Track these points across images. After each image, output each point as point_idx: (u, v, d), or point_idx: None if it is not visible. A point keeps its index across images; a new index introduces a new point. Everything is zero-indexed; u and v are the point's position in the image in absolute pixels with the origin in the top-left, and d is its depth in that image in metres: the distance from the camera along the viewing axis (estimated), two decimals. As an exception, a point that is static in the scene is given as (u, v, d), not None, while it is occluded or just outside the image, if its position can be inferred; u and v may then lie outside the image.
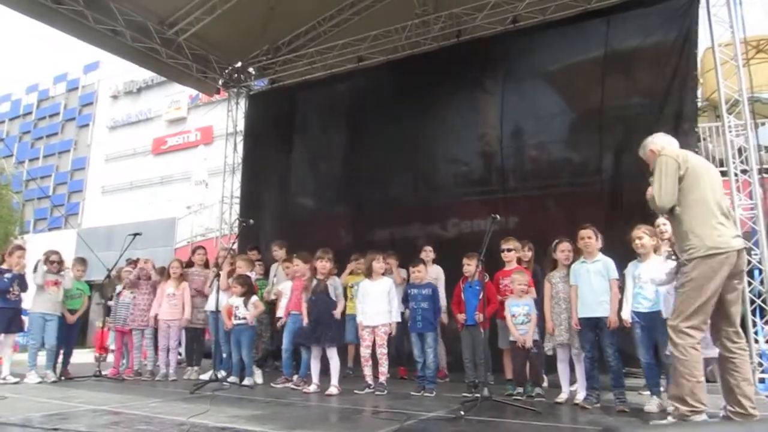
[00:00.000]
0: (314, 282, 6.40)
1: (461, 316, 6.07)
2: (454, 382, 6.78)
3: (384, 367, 6.10)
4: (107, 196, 31.02)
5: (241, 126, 11.19)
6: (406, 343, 6.79)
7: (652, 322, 4.79)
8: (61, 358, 7.29)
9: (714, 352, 3.95)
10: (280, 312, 7.10)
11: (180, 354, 7.93)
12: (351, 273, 7.45)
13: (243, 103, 11.26)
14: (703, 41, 7.29)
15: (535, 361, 5.74)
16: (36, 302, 7.08)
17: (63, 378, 7.13)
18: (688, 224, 3.86)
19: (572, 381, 5.52)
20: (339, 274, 6.83)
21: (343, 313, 6.45)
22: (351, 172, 9.80)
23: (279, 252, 8.05)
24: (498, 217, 5.54)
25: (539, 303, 5.69)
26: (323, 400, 5.72)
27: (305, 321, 6.34)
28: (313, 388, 6.12)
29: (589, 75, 8.02)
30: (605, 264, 5.16)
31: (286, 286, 7.06)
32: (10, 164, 28.68)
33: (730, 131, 6.77)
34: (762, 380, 6.09)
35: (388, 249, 7.38)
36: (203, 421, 4.25)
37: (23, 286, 7.05)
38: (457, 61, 8.94)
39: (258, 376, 6.97)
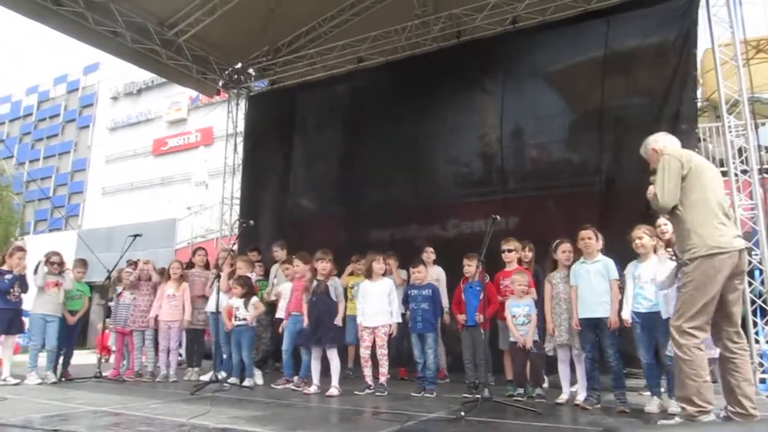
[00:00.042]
0: (314, 283, 6.40)
1: (461, 317, 6.07)
2: (455, 382, 6.78)
3: (384, 368, 6.10)
4: (107, 197, 31.02)
5: (241, 127, 11.19)
6: (406, 343, 6.79)
7: (652, 322, 4.79)
8: (61, 360, 7.29)
9: (715, 352, 3.94)
10: (279, 313, 7.10)
11: (180, 355, 7.93)
12: (351, 274, 7.46)
13: (243, 104, 11.26)
14: (702, 41, 7.30)
15: (536, 362, 5.74)
16: (37, 303, 7.08)
17: (63, 379, 7.14)
18: (690, 224, 3.86)
19: (573, 382, 5.52)
20: (339, 275, 6.83)
21: (344, 314, 6.45)
22: (351, 173, 9.80)
23: (280, 253, 8.05)
24: (498, 217, 5.54)
25: (540, 303, 5.69)
26: (324, 401, 5.72)
27: (305, 322, 6.35)
28: (313, 389, 6.11)
29: (589, 75, 8.01)
30: (605, 264, 5.16)
31: (286, 287, 7.06)
32: (10, 165, 28.71)
33: (730, 131, 6.77)
34: (763, 380, 6.09)
35: (388, 250, 7.37)
36: (204, 422, 4.25)
37: (24, 288, 7.06)
38: (457, 62, 8.94)
39: (258, 377, 6.97)
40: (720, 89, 6.77)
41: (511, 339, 5.74)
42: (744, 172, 6.66)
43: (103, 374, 7.32)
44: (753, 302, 6.30)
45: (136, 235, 7.95)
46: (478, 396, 5.01)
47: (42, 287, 7.05)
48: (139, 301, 7.56)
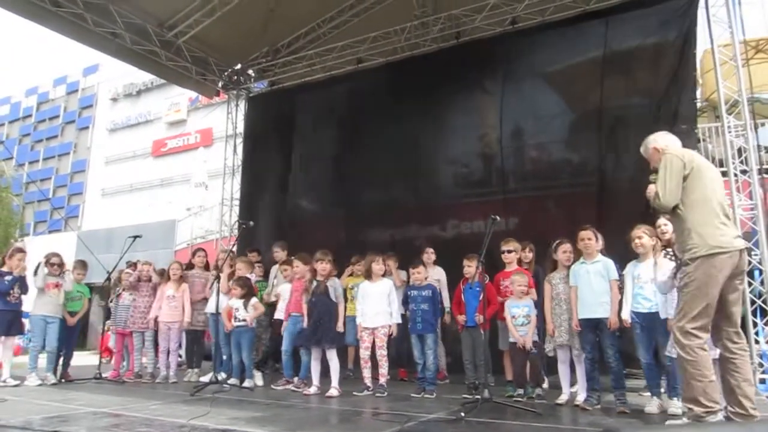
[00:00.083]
0: (314, 284, 6.40)
1: (461, 318, 6.07)
2: (454, 383, 6.78)
3: (384, 369, 6.10)
4: (107, 198, 30.99)
5: (240, 128, 11.18)
6: (406, 344, 6.79)
7: (652, 322, 4.79)
8: (61, 361, 7.29)
9: (715, 353, 3.94)
10: (278, 314, 7.10)
11: (180, 356, 7.93)
12: (351, 275, 7.46)
13: (242, 105, 11.26)
14: (702, 42, 7.30)
15: (536, 362, 5.74)
16: (37, 305, 7.09)
17: (63, 380, 7.14)
18: (691, 223, 3.86)
19: (573, 382, 5.52)
20: (339, 276, 6.83)
21: (344, 316, 6.44)
22: (351, 174, 9.79)
23: (281, 254, 8.06)
24: (498, 218, 5.54)
25: (540, 304, 5.69)
26: (324, 402, 5.72)
27: (305, 322, 6.34)
28: (313, 390, 6.11)
29: (588, 76, 8.01)
30: (605, 265, 5.16)
31: (285, 289, 7.06)
32: (10, 167, 28.71)
33: (730, 132, 6.77)
34: (763, 381, 6.08)
35: (388, 250, 7.38)
36: (203, 424, 4.25)
37: (24, 289, 7.07)
38: (456, 63, 8.93)
39: (258, 378, 6.98)
40: (719, 89, 6.77)
41: (511, 340, 5.75)
42: (743, 172, 6.67)
43: (103, 375, 7.32)
44: (753, 302, 6.30)
45: (135, 237, 7.96)
46: (478, 397, 5.01)
47: (42, 288, 7.05)
48: (138, 302, 7.56)
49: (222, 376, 6.79)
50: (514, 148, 8.47)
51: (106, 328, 8.47)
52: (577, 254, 5.40)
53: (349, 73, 10.02)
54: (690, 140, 6.72)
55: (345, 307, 6.51)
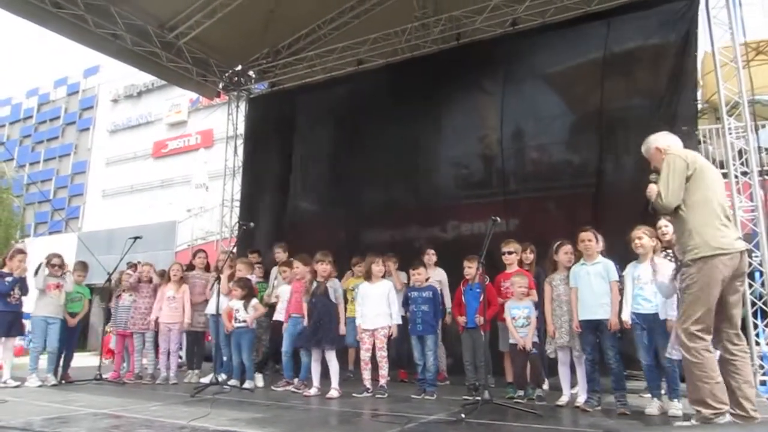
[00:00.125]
0: (314, 284, 6.40)
1: (462, 319, 6.07)
2: (455, 384, 6.77)
3: (384, 370, 6.09)
4: (108, 199, 31.00)
5: (241, 129, 11.20)
6: (406, 345, 6.79)
7: (653, 323, 4.78)
8: (61, 362, 7.28)
9: (715, 354, 3.93)
10: (277, 315, 7.10)
11: (181, 357, 7.93)
12: (352, 275, 7.47)
13: (243, 107, 11.28)
14: (702, 44, 7.30)
15: (536, 362, 5.73)
16: (38, 306, 7.08)
17: (63, 381, 7.13)
18: (692, 224, 3.86)
19: (573, 383, 5.51)
20: (339, 277, 6.83)
21: (344, 318, 6.44)
22: (351, 175, 9.79)
23: (282, 254, 8.05)
24: (498, 219, 5.55)
25: (541, 305, 5.69)
26: (324, 403, 5.71)
27: (306, 322, 6.34)
28: (313, 391, 6.10)
29: (589, 77, 8.03)
30: (605, 266, 5.15)
31: (284, 290, 7.06)
32: (10, 168, 28.70)
33: (731, 133, 6.78)
34: (763, 382, 6.08)
35: (389, 251, 7.37)
36: (204, 425, 4.25)
37: (24, 290, 7.06)
38: (457, 64, 8.94)
39: (258, 380, 6.97)
40: (720, 91, 6.78)
41: (511, 341, 5.74)
42: (744, 173, 6.68)
43: (103, 376, 7.31)
44: (753, 304, 6.30)
45: (136, 238, 7.96)
46: (479, 398, 5.00)
47: (43, 289, 7.04)
48: (139, 304, 7.55)
49: (222, 377, 6.79)
50: (514, 150, 8.48)
51: (107, 329, 8.46)
52: (578, 255, 5.39)
53: (350, 74, 10.03)
54: (691, 142, 6.72)
55: (345, 308, 6.51)
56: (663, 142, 4.27)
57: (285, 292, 7.00)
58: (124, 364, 7.76)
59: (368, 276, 6.39)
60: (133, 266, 8.07)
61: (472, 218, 8.60)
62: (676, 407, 4.64)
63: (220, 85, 11.10)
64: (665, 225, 5.19)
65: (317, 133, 10.56)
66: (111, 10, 8.78)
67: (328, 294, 6.29)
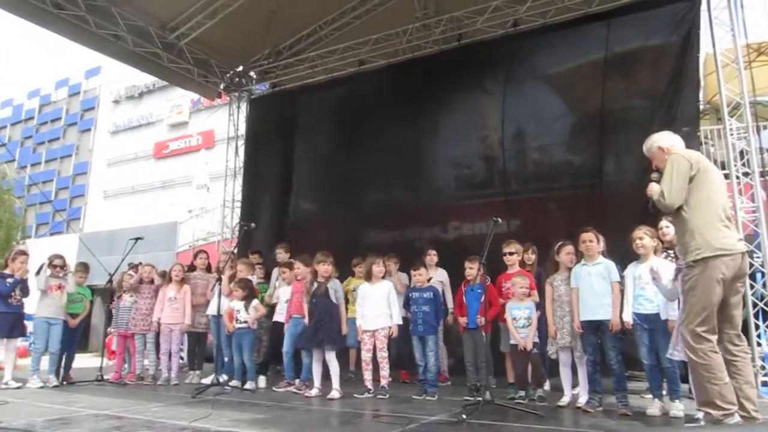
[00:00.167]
0: (315, 285, 6.40)
1: (463, 320, 6.06)
2: (456, 385, 6.77)
3: (385, 371, 6.09)
4: (109, 200, 31.06)
5: (242, 130, 11.19)
6: (407, 346, 6.78)
7: (654, 323, 4.77)
8: (63, 363, 7.29)
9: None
10: (277, 317, 7.10)
11: (182, 358, 7.93)
12: (353, 276, 7.47)
13: (244, 107, 11.27)
14: (704, 45, 7.30)
15: (537, 362, 5.72)
16: (40, 307, 7.08)
17: (65, 382, 7.14)
18: (694, 224, 3.85)
19: (574, 384, 5.51)
20: (339, 277, 6.83)
21: (345, 318, 6.44)
22: (352, 175, 9.78)
23: (283, 255, 8.05)
24: (499, 220, 5.55)
25: (543, 306, 5.68)
26: (325, 404, 5.71)
27: (306, 323, 6.35)
28: (314, 392, 6.10)
29: (590, 78, 8.02)
30: (606, 266, 5.15)
31: (282, 291, 7.06)
32: (12, 169, 28.69)
33: (732, 134, 6.78)
34: (765, 383, 6.07)
35: (389, 252, 7.36)
36: (205, 426, 4.26)
37: (25, 291, 7.06)
38: (458, 65, 8.93)
39: (260, 380, 6.97)
40: (721, 92, 6.77)
41: (512, 341, 5.74)
42: (745, 174, 6.67)
43: (105, 377, 7.32)
44: (755, 305, 6.29)
45: (137, 239, 7.96)
46: (480, 399, 4.99)
47: (44, 290, 7.05)
48: (140, 304, 7.56)
49: (223, 378, 6.79)
50: (515, 150, 8.47)
51: (106, 331, 8.47)
52: (579, 256, 5.39)
53: (351, 74, 10.03)
54: (692, 142, 6.71)
55: (346, 309, 6.51)
56: (666, 141, 4.26)
57: (283, 294, 7.00)
58: (126, 365, 7.76)
59: (369, 276, 6.39)
60: (134, 267, 8.07)
61: (473, 219, 8.60)
62: (678, 408, 4.64)
63: (222, 86, 11.10)
64: (666, 225, 5.19)
65: (318, 134, 10.56)
66: (112, 11, 8.79)
67: (328, 294, 6.29)
